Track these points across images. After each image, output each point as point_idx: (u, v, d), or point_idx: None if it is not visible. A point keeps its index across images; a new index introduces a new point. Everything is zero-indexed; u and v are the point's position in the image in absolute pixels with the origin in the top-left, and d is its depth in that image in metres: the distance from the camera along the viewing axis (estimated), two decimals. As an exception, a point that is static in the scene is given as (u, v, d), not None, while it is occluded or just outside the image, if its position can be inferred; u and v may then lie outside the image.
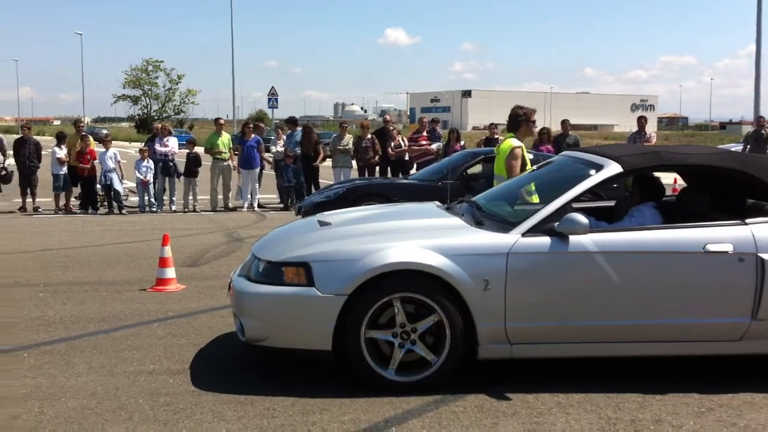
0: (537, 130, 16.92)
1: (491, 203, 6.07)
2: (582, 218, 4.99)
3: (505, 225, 5.24)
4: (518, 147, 7.22)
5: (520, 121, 7.34)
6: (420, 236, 5.20)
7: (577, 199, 5.37)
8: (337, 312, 4.92)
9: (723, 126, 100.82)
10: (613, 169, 5.41)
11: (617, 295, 5.04)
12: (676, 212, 5.68)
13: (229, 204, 16.98)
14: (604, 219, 5.82)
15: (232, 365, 5.62)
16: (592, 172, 5.49)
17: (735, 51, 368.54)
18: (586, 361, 5.26)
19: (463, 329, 4.97)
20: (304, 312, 5.00)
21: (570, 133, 16.38)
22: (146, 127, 64.67)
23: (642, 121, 16.57)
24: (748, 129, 21.49)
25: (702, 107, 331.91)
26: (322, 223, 5.96)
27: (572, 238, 5.03)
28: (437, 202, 6.71)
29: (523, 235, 5.07)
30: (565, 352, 5.18)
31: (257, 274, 5.27)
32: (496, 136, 16.03)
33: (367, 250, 5.01)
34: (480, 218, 5.48)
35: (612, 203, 6.59)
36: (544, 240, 5.06)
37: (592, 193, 5.73)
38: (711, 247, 5.04)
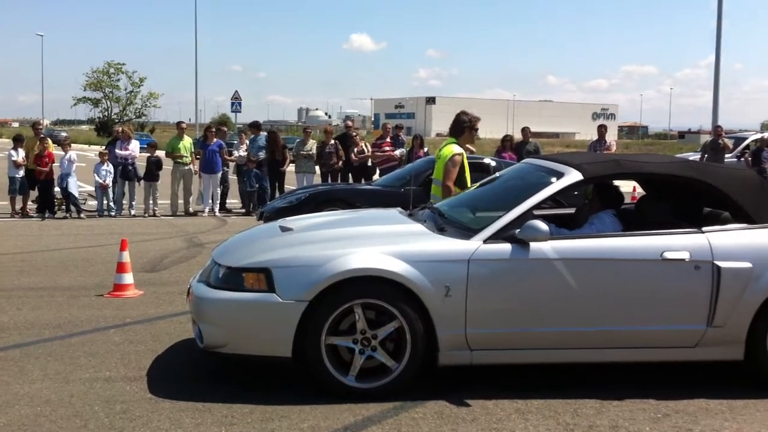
0: (501, 137, 17.11)
1: (453, 210, 6.08)
2: (543, 225, 5.02)
3: (467, 231, 5.25)
4: (459, 154, 7.25)
5: (464, 127, 7.35)
6: (381, 242, 5.19)
7: (538, 206, 5.40)
8: (298, 318, 4.89)
9: (682, 135, 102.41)
10: (574, 176, 5.46)
11: (577, 301, 5.08)
12: (635, 220, 5.74)
13: (190, 209, 16.82)
14: (565, 226, 5.86)
15: (190, 372, 5.56)
16: (554, 179, 5.54)
17: (695, 61, 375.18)
18: (545, 367, 5.30)
19: (424, 335, 4.97)
20: (264, 318, 4.96)
21: (531, 140, 16.52)
22: (107, 130, 63.80)
23: (602, 130, 16.77)
24: (706, 138, 21.93)
25: (662, 116, 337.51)
26: (284, 229, 5.93)
27: (533, 245, 5.06)
28: (399, 209, 6.72)
29: (485, 241, 5.09)
30: (526, 359, 5.20)
31: (217, 280, 5.22)
32: None
33: (328, 256, 4.99)
34: (442, 225, 5.49)
35: (572, 210, 6.64)
36: (505, 247, 5.08)
37: (553, 200, 5.77)
38: (668, 255, 5.11)
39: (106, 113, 68.78)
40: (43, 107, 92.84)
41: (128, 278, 8.18)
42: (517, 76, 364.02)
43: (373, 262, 4.95)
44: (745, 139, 23.90)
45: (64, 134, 27.48)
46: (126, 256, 8.21)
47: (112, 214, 16.19)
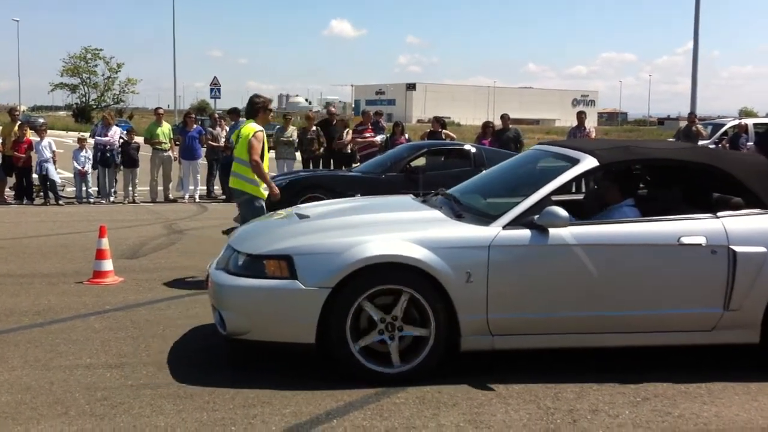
0: (482, 123, 17.12)
1: (466, 196, 6.10)
2: (562, 211, 5.07)
3: (485, 218, 5.30)
4: (260, 131, 7.78)
5: (258, 108, 7.89)
6: (402, 229, 5.24)
7: (555, 192, 5.43)
8: (321, 305, 4.90)
9: (661, 122, 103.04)
10: (590, 162, 5.49)
11: (596, 286, 5.14)
12: (648, 205, 5.76)
13: (170, 195, 16.73)
14: (574, 212, 5.86)
15: (170, 359, 5.54)
16: (569, 165, 5.56)
17: (673, 48, 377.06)
18: (525, 352, 5.33)
19: (446, 322, 5.00)
20: (287, 305, 4.98)
21: (511, 126, 16.53)
22: (84, 117, 63.21)
23: (582, 116, 16.80)
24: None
25: (641, 103, 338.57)
26: (301, 216, 5.93)
27: (552, 230, 5.11)
28: (412, 195, 6.73)
29: (504, 227, 5.13)
30: (546, 343, 5.26)
31: (237, 267, 5.23)
32: (439, 130, 16.09)
33: (350, 243, 5.01)
34: (459, 211, 5.53)
35: (581, 196, 6.65)
36: (525, 233, 5.12)
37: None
38: (685, 240, 5.17)
39: (83, 99, 68.06)
40: (20, 93, 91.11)
41: (108, 265, 8.13)
42: (497, 63, 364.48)
43: (396, 249, 4.98)
44: (723, 125, 24.05)
45: (41, 120, 27.18)
46: (105, 243, 8.16)
47: (91, 200, 16.07)
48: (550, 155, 6.25)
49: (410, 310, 5.06)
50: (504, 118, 16.58)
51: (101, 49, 67.25)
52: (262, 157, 7.76)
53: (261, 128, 7.80)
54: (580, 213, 5.71)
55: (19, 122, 16.31)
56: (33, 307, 7.00)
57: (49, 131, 18.17)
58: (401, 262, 4.95)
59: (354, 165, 15.80)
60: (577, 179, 5.58)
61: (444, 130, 16.28)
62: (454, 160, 12.57)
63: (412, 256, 4.95)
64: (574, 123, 17.09)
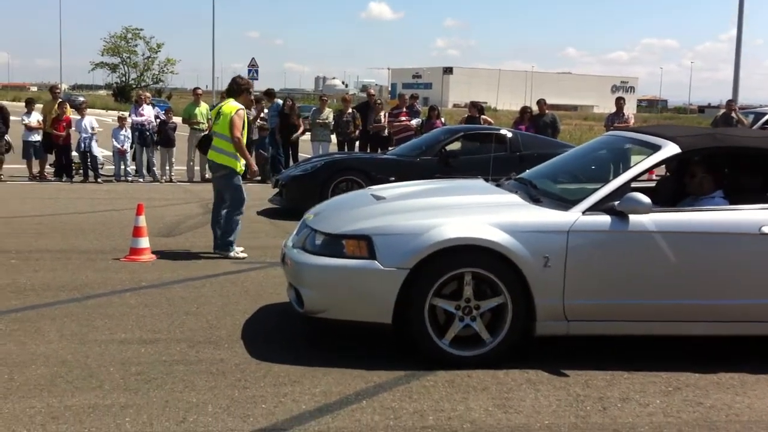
0: (519, 108, 16.99)
1: (541, 181, 6.09)
2: (644, 198, 5.04)
3: (564, 203, 5.30)
4: (241, 109, 8.36)
5: (242, 89, 8.57)
6: (480, 212, 5.26)
7: (636, 178, 5.40)
8: (399, 286, 4.95)
9: (702, 109, 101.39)
10: (672, 149, 5.44)
11: (675, 274, 5.11)
12: (730, 194, 5.65)
13: (206, 175, 16.84)
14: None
15: (204, 336, 5.61)
16: (649, 151, 5.52)
17: (716, 35, 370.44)
18: (555, 339, 5.30)
19: (523, 306, 5.03)
20: (365, 285, 5.03)
21: (548, 112, 16.39)
22: (124, 96, 63.81)
23: (620, 102, 16.60)
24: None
25: (682, 90, 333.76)
26: (377, 197, 5.97)
27: (632, 217, 5.08)
28: (482, 179, 6.74)
29: (584, 213, 5.13)
30: (622, 330, 5.25)
31: (314, 246, 5.29)
32: (477, 116, 15.98)
33: (429, 225, 5.04)
34: (536, 196, 5.52)
35: (652, 183, 6.59)
36: (605, 219, 5.11)
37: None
38: (766, 229, 5.11)
39: (123, 79, 68.74)
40: (61, 72, 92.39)
41: (144, 242, 8.24)
42: (535, 47, 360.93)
43: (475, 232, 5.00)
44: (764, 114, 23.56)
45: (81, 99, 27.51)
46: (142, 221, 8.26)
47: (129, 179, 16.26)
48: (627, 141, 6.21)
49: (480, 289, 5.06)
50: (540, 103, 16.42)
51: (141, 29, 67.94)
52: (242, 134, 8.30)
53: (242, 106, 8.37)
54: (653, 200, 5.67)
55: (59, 100, 16.52)
56: (70, 282, 7.12)
57: (88, 110, 18.37)
58: (481, 245, 4.96)
59: (389, 148, 15.79)
60: (658, 165, 5.50)
61: (482, 116, 16.17)
62: (490, 145, 12.52)
63: (492, 239, 4.95)
64: (613, 109, 16.90)
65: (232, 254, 8.39)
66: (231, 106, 8.36)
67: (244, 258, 8.39)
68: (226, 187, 8.44)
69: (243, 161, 8.41)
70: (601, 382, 4.86)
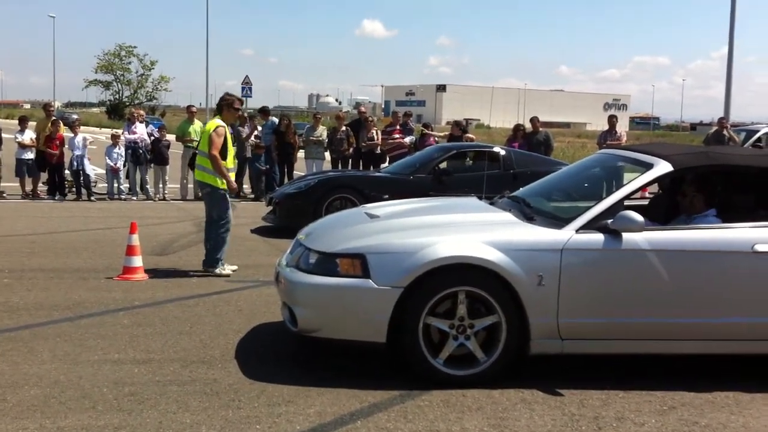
0: (512, 126, 17.04)
1: (534, 199, 6.11)
2: (637, 216, 5.05)
3: (558, 221, 5.30)
4: (222, 126, 8.38)
5: (222, 105, 8.61)
6: (474, 230, 5.27)
7: (628, 197, 5.42)
8: (393, 304, 4.94)
9: (693, 127, 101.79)
10: (664, 167, 5.45)
11: (669, 292, 5.11)
12: (722, 212, 5.67)
13: (199, 193, 16.81)
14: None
15: (197, 356, 5.58)
16: (642, 170, 5.54)
17: (708, 52, 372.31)
18: (549, 358, 5.30)
19: (517, 325, 5.02)
20: (359, 303, 5.02)
21: (541, 129, 16.45)
22: (117, 113, 63.76)
23: (612, 120, 16.70)
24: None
25: (674, 108, 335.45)
26: (371, 216, 5.97)
27: (625, 235, 5.09)
28: (476, 197, 6.74)
29: (577, 231, 5.13)
30: (617, 349, 5.25)
31: (308, 265, 5.27)
32: (459, 134, 16.02)
33: (423, 243, 5.04)
34: (530, 214, 5.53)
35: (645, 201, 6.61)
36: (598, 237, 5.11)
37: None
38: (759, 248, 5.12)
39: (117, 96, 68.74)
40: (54, 89, 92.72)
41: (137, 261, 8.21)
42: (528, 65, 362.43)
43: (469, 250, 5.00)
44: (756, 131, 23.67)
45: (75, 116, 27.47)
46: (135, 239, 8.25)
47: (122, 197, 16.23)
48: (619, 159, 6.23)
49: (474, 308, 5.05)
50: (533, 121, 16.50)
51: (135, 47, 67.88)
52: (225, 152, 8.34)
53: (223, 124, 8.41)
54: (646, 218, 5.69)
55: (53, 118, 16.51)
56: (63, 301, 7.09)
57: (82, 127, 18.35)
58: (475, 263, 4.96)
59: (383, 166, 15.82)
60: (650, 183, 5.53)
61: (466, 134, 16.20)
62: (483, 163, 12.55)
63: (485, 258, 4.95)
64: (605, 127, 16.98)
65: (217, 270, 8.40)
66: (211, 123, 8.48)
67: (229, 275, 8.39)
68: (211, 205, 8.52)
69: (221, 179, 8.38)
70: (596, 402, 4.85)
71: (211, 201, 8.53)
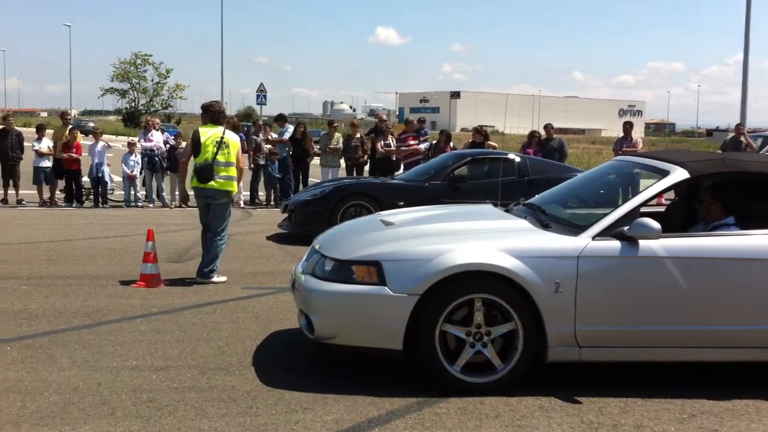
0: (527, 132, 16.99)
1: (550, 206, 6.10)
2: (654, 223, 5.03)
3: (574, 228, 5.29)
4: (195, 132, 8.57)
5: (219, 116, 8.72)
6: (490, 237, 5.26)
7: (645, 204, 5.40)
8: (409, 311, 4.94)
9: (710, 133, 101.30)
10: (680, 174, 5.43)
11: (686, 300, 5.08)
12: (740, 219, 5.64)
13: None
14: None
15: (215, 362, 5.60)
16: (658, 177, 5.52)
17: (723, 58, 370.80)
18: (568, 365, 5.28)
19: (534, 333, 5.01)
20: (375, 311, 5.02)
21: (555, 136, 16.40)
22: (133, 121, 64.17)
23: (627, 126, 16.62)
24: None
25: (689, 114, 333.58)
26: (386, 223, 5.98)
27: (642, 242, 5.07)
28: (491, 204, 6.75)
29: (593, 238, 5.12)
30: (635, 357, 5.22)
31: (324, 272, 5.28)
32: (481, 141, 15.95)
33: (439, 251, 5.04)
34: (546, 221, 5.52)
35: (662, 208, 6.59)
36: (615, 244, 5.09)
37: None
38: None
39: (132, 104, 69.20)
40: (71, 97, 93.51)
41: (154, 268, 8.25)
42: (542, 71, 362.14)
43: (485, 257, 4.99)
44: (773, 137, 23.48)
45: (92, 124, 27.66)
46: (152, 246, 8.28)
47: (139, 204, 16.32)
48: (635, 166, 6.21)
49: (491, 315, 5.04)
50: (547, 127, 16.46)
51: (151, 55, 68.46)
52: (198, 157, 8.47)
53: (199, 129, 8.58)
54: (663, 226, 5.68)
55: (70, 126, 16.62)
56: (82, 308, 7.13)
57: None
58: (491, 271, 4.95)
59: (397, 173, 15.81)
60: (667, 190, 5.51)
61: (488, 141, 16.15)
62: (499, 170, 12.52)
63: (501, 265, 4.94)
64: (620, 133, 16.91)
65: (214, 278, 8.45)
66: (231, 134, 8.67)
67: (221, 282, 8.45)
68: (222, 215, 8.69)
69: (221, 185, 8.54)
70: (615, 410, 4.83)
71: (224, 212, 8.59)
